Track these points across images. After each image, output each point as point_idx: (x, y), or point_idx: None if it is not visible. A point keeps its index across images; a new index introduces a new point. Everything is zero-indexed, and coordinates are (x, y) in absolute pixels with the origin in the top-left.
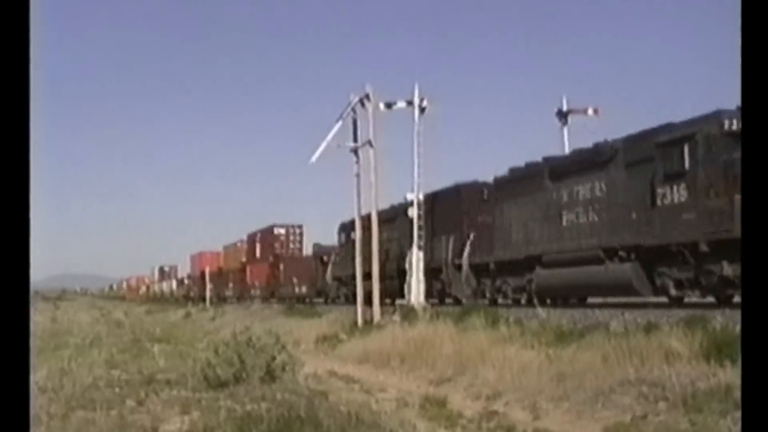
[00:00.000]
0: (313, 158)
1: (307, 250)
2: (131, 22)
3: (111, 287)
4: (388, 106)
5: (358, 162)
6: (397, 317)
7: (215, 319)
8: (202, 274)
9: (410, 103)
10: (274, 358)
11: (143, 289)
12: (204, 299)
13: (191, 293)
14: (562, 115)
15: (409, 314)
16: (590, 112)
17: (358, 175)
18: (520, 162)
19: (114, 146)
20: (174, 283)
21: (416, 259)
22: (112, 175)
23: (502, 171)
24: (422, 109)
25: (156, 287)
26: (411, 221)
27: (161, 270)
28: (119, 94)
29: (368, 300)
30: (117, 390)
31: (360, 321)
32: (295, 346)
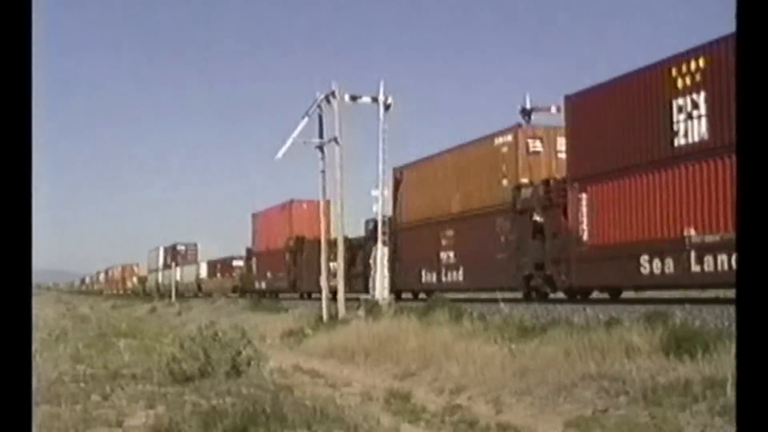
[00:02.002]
0: (279, 154)
1: None
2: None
3: (83, 281)
4: (354, 99)
5: (323, 158)
6: (361, 312)
7: (181, 314)
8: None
9: (375, 99)
10: (239, 353)
11: (132, 281)
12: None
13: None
14: (526, 113)
15: (373, 309)
16: (553, 110)
17: (323, 171)
18: None
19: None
20: (202, 269)
21: (381, 255)
22: (81, 169)
23: None
24: (387, 106)
25: (159, 277)
26: None
27: (173, 251)
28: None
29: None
30: (82, 385)
31: (325, 316)
32: (260, 341)
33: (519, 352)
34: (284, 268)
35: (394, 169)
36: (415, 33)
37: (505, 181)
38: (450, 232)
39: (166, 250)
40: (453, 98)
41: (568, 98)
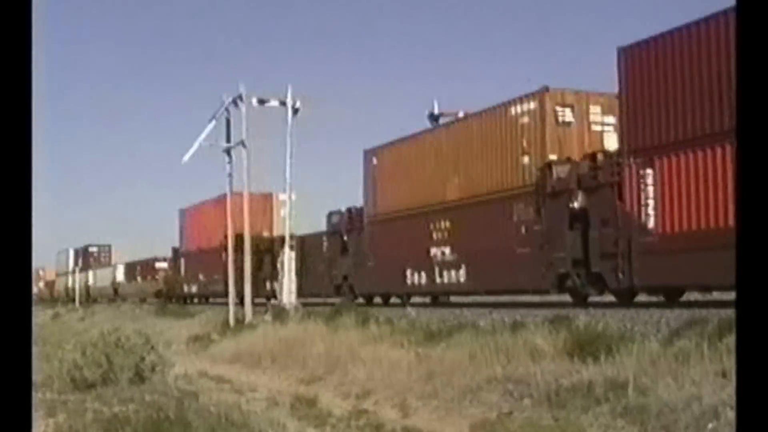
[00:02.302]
0: (186, 157)
1: None
2: None
3: None
4: (261, 102)
5: (230, 162)
6: (268, 317)
7: (84, 319)
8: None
9: (283, 103)
10: (143, 359)
11: (38, 286)
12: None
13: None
14: (434, 118)
15: (281, 314)
16: (461, 114)
17: (230, 175)
18: None
19: None
20: (119, 272)
21: (288, 259)
22: None
23: None
24: (295, 110)
25: (70, 281)
26: None
27: (85, 253)
28: None
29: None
30: None
31: (232, 321)
32: (166, 346)
33: (425, 356)
34: (221, 270)
35: (366, 152)
36: (329, 36)
37: (525, 159)
38: (445, 224)
39: (76, 252)
40: (364, 101)
41: (623, 51)
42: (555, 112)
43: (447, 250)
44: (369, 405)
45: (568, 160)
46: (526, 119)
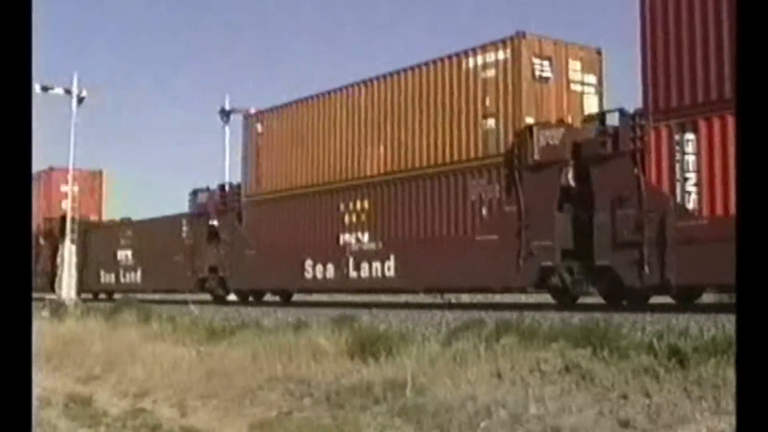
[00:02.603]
0: None
1: None
2: None
3: None
4: (45, 89)
5: None
6: (46, 313)
7: None
8: None
9: (68, 91)
10: None
11: None
12: None
13: None
14: (225, 114)
15: (59, 310)
16: (252, 111)
17: None
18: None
19: None
20: None
21: (68, 254)
22: None
23: None
24: (80, 99)
25: None
26: None
27: None
28: None
29: None
30: None
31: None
32: None
33: (207, 354)
34: (40, 260)
35: (247, 117)
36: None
37: (490, 122)
38: (363, 205)
39: None
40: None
41: None
42: (532, 64)
43: (365, 237)
44: (147, 404)
45: (561, 122)
46: (491, 72)
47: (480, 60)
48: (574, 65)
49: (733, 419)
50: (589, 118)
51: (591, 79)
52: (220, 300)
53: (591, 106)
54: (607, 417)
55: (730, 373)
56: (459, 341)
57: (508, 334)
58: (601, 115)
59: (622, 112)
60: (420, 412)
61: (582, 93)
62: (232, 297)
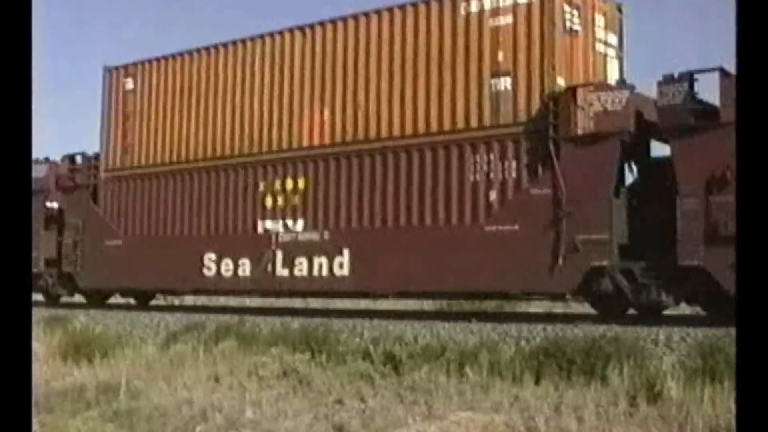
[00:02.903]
0: None
1: None
2: None
3: None
4: None
5: None
6: None
7: None
8: None
9: None
10: None
11: None
12: None
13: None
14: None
15: None
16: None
17: None
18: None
19: None
20: None
21: None
22: None
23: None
24: None
25: None
26: None
27: None
28: None
29: None
30: None
31: None
32: None
33: None
34: None
35: (109, 70)
36: None
37: (504, 83)
38: (295, 183)
39: None
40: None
41: None
42: (563, 11)
43: (299, 225)
44: None
45: (605, 85)
46: (507, 19)
47: (488, 3)
48: (599, 20)
49: (733, 420)
50: (668, 80)
51: (613, 39)
52: (53, 301)
53: (613, 73)
54: (322, 421)
55: (443, 379)
56: (177, 344)
57: (228, 338)
58: (690, 77)
59: (723, 72)
60: (133, 417)
61: (605, 56)
62: (67, 298)
